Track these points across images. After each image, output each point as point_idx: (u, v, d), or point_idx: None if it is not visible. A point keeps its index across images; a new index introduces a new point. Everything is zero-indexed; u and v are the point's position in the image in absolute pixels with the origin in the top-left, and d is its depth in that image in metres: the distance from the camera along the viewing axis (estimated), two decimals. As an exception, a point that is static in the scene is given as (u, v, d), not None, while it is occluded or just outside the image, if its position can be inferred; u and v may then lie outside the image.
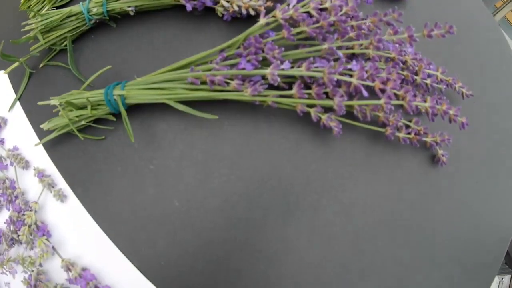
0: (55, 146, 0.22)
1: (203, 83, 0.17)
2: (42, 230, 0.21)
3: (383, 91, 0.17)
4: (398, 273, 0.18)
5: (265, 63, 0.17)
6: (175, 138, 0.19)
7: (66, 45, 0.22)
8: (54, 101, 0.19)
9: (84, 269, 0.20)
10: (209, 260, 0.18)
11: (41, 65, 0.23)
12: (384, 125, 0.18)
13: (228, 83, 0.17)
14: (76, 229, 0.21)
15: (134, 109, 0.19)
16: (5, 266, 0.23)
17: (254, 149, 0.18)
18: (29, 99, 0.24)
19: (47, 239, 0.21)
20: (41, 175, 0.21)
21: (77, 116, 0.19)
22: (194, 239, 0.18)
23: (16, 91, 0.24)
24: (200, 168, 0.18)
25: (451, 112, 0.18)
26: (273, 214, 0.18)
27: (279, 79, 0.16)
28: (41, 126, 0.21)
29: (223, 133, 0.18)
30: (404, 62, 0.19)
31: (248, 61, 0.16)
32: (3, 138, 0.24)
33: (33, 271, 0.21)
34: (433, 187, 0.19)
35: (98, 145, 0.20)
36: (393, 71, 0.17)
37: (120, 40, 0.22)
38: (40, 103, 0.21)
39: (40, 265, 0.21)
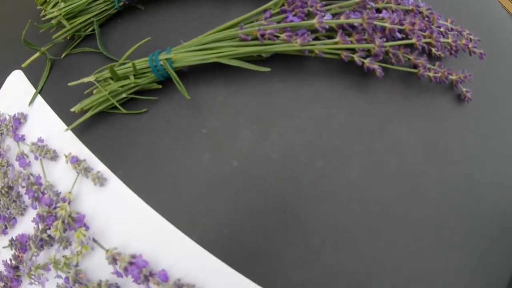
0: (87, 130, 0.20)
1: (253, 39, 0.18)
2: (79, 222, 0.19)
3: (412, 32, 0.19)
4: (446, 206, 0.19)
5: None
6: (225, 100, 0.19)
7: (92, 31, 0.22)
8: (89, 78, 0.19)
9: (133, 256, 0.18)
10: (278, 218, 0.17)
11: (64, 54, 0.22)
12: (415, 66, 0.20)
13: (277, 37, 0.17)
14: (118, 216, 0.19)
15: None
16: (33, 275, 0.19)
17: (306, 100, 0.19)
18: (52, 90, 0.22)
19: (85, 231, 0.18)
20: (75, 159, 0.19)
21: (120, 86, 0.18)
22: (259, 198, 0.17)
23: (34, 85, 0.23)
24: (256, 125, 0.18)
25: (470, 45, 0.20)
26: (334, 159, 0.18)
27: (327, 26, 0.17)
28: (72, 109, 0.20)
29: (273, 88, 0.19)
30: (421, 13, 0.21)
31: (295, 14, 0.17)
32: (24, 135, 0.22)
33: (69, 272, 0.18)
34: (465, 124, 0.21)
35: (138, 119, 0.19)
36: (415, 19, 0.19)
37: (150, 22, 0.22)
38: (71, 84, 0.19)
39: (77, 265, 0.19)
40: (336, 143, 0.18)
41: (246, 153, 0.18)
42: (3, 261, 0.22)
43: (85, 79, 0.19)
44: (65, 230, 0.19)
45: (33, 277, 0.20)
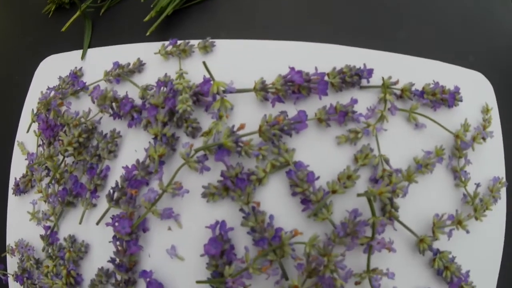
0: (166, 34, 0.19)
1: None
2: (206, 83, 0.16)
3: None
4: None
5: None
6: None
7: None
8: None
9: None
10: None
11: (103, 8, 0.22)
12: None
13: None
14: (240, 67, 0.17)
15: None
16: (159, 210, 0.15)
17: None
18: (98, 43, 0.21)
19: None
20: (173, 41, 0.18)
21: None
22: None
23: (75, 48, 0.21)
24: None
25: None
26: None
27: None
28: (146, 18, 0.19)
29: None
30: None
31: None
32: (85, 82, 0.19)
33: (217, 142, 0.14)
34: None
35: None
36: None
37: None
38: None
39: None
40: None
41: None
42: (107, 223, 0.15)
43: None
44: (189, 113, 0.16)
45: (161, 212, 0.15)
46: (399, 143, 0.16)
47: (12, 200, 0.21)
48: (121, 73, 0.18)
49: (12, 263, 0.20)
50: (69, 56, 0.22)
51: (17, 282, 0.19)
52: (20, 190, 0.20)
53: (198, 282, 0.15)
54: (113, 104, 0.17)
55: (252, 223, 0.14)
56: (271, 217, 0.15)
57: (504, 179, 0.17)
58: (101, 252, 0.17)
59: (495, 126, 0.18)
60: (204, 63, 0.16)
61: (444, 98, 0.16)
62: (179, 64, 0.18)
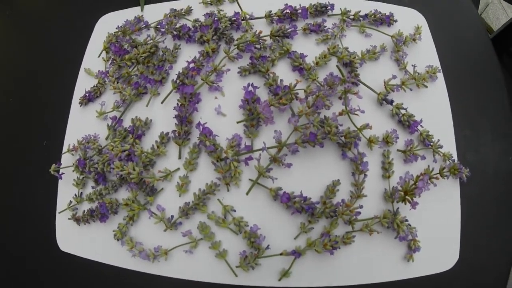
0: None
1: None
2: (237, 15, 0.28)
3: None
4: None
5: None
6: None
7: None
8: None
9: None
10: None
11: None
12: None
13: None
14: None
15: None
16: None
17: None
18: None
19: None
20: None
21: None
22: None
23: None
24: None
25: None
26: None
27: None
28: None
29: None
30: None
31: None
32: (147, 21, 0.30)
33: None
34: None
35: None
36: None
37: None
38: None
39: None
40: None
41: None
42: (177, 89, 0.26)
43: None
44: (228, 28, 0.27)
45: (214, 79, 0.26)
46: (354, 45, 0.28)
47: (74, 112, 0.29)
48: (176, 13, 0.30)
49: (67, 162, 0.27)
50: (125, 13, 0.33)
51: (78, 167, 0.26)
52: (89, 98, 0.29)
53: (238, 122, 0.24)
54: (175, 28, 0.28)
55: (271, 82, 0.25)
56: (281, 80, 0.25)
57: (440, 68, 0.28)
58: (159, 128, 0.26)
59: (426, 35, 0.29)
60: (236, 0, 0.29)
61: (382, 19, 0.29)
62: (216, 8, 0.30)
